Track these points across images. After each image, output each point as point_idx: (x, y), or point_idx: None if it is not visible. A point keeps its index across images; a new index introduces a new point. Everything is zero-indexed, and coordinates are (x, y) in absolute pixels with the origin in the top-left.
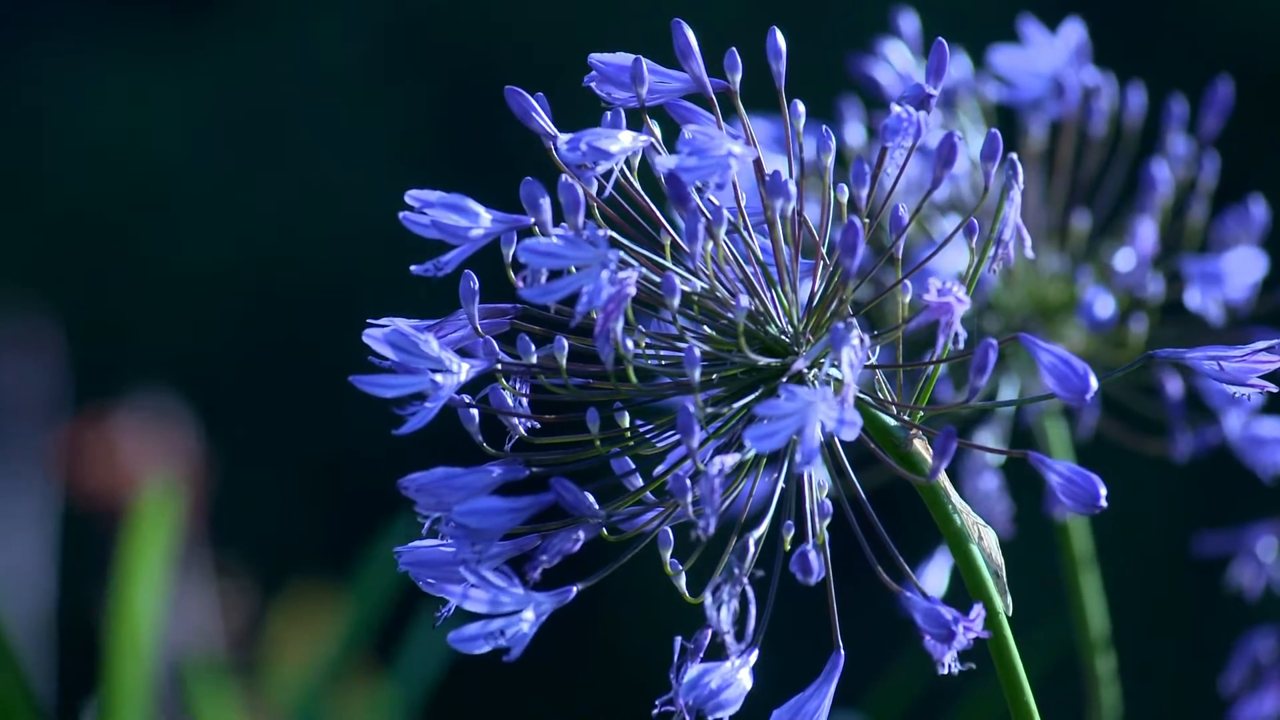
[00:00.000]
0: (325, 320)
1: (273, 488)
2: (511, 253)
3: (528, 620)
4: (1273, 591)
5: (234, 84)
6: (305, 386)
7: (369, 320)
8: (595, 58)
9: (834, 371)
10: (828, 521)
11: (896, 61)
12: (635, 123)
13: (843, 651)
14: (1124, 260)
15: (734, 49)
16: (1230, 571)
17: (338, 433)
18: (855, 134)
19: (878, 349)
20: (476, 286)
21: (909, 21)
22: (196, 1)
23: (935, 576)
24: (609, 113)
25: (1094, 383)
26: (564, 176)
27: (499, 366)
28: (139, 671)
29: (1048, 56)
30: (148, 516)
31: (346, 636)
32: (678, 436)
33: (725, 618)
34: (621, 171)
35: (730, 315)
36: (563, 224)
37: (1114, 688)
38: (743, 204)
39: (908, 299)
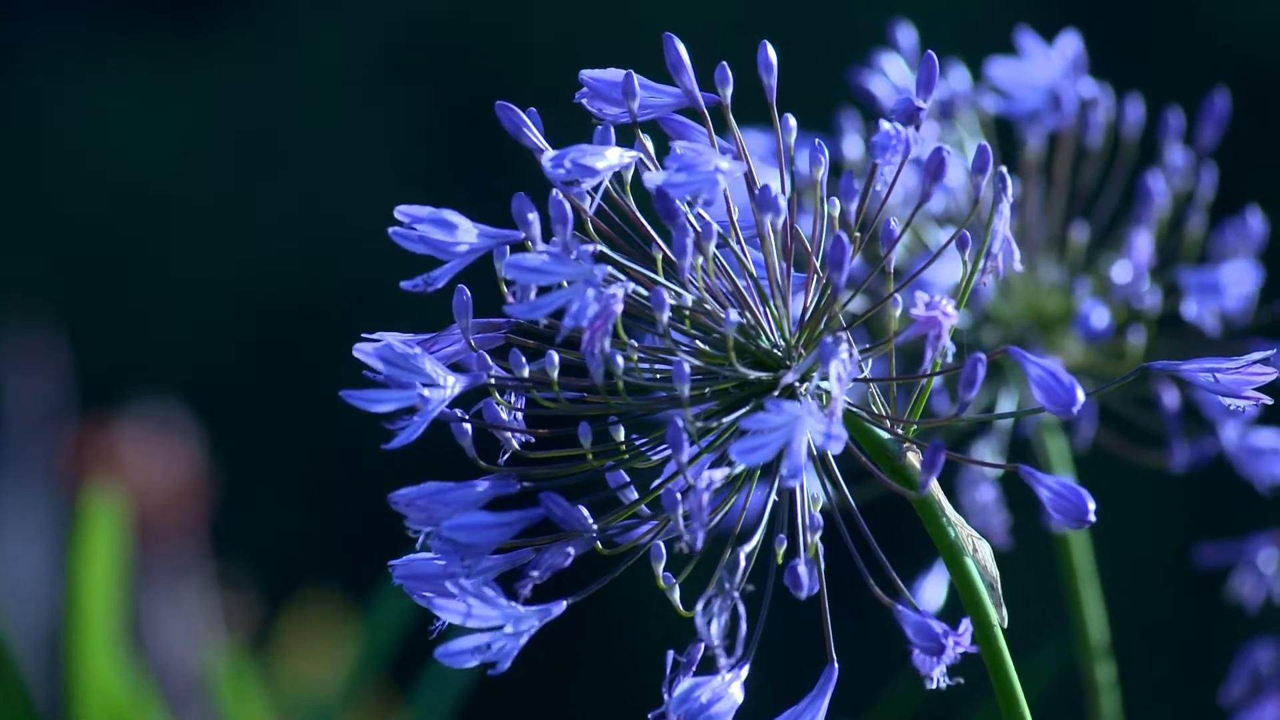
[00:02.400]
0: (329, 329)
1: (277, 498)
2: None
3: (514, 635)
4: (1273, 602)
5: (235, 94)
6: (309, 395)
7: (362, 335)
8: (586, 74)
9: (824, 385)
10: (819, 535)
11: (893, 74)
12: (628, 138)
13: (836, 665)
14: (1121, 272)
15: (724, 63)
16: (1231, 583)
17: (343, 442)
18: (853, 146)
19: (870, 362)
20: (469, 300)
21: (906, 34)
22: (197, 12)
23: (933, 590)
24: (599, 128)
25: (1080, 395)
26: (554, 191)
27: (490, 381)
28: (104, 674)
29: (1044, 68)
30: (94, 522)
31: (361, 658)
32: (669, 451)
33: (716, 631)
34: (613, 186)
35: (721, 329)
36: (552, 239)
37: (1113, 697)
38: (735, 218)
39: (898, 313)
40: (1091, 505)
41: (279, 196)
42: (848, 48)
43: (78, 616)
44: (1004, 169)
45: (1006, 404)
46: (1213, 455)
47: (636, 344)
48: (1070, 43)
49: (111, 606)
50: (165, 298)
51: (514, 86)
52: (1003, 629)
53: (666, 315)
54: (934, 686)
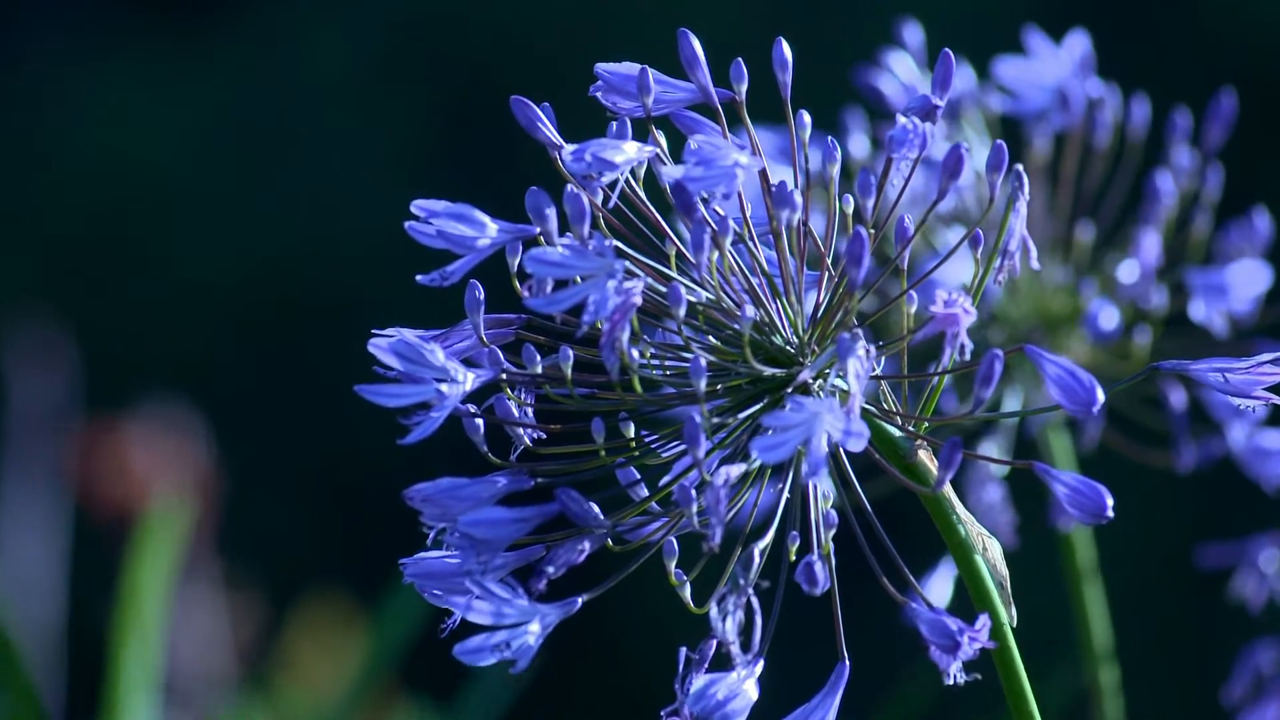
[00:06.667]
0: (335, 328)
1: (284, 498)
2: (517, 262)
3: (534, 632)
4: (1276, 603)
5: (238, 92)
6: (316, 395)
7: (374, 330)
8: (601, 67)
9: (839, 382)
10: (833, 532)
11: (901, 73)
12: (641, 132)
13: (848, 662)
14: (1128, 272)
15: (740, 59)
16: (1233, 583)
17: (350, 442)
18: (859, 145)
19: (883, 360)
20: (482, 296)
21: (913, 33)
22: (199, 10)
23: (939, 587)
24: (614, 123)
25: (1100, 395)
26: (569, 186)
27: (504, 376)
28: (144, 682)
29: (1052, 68)
30: (154, 529)
31: (369, 659)
32: (683, 447)
33: (731, 628)
34: (627, 181)
35: (736, 326)
36: (568, 234)
37: (1117, 699)
38: (748, 214)
39: (913, 310)
40: (1110, 501)
41: (280, 195)
42: (849, 46)
43: (126, 621)
44: (1020, 167)
45: (1011, 403)
46: (1219, 456)
47: (649, 340)
48: (1078, 42)
49: (160, 614)
50: (168, 298)
51: (513, 86)
52: (1012, 628)
53: (683, 310)
54: (951, 682)
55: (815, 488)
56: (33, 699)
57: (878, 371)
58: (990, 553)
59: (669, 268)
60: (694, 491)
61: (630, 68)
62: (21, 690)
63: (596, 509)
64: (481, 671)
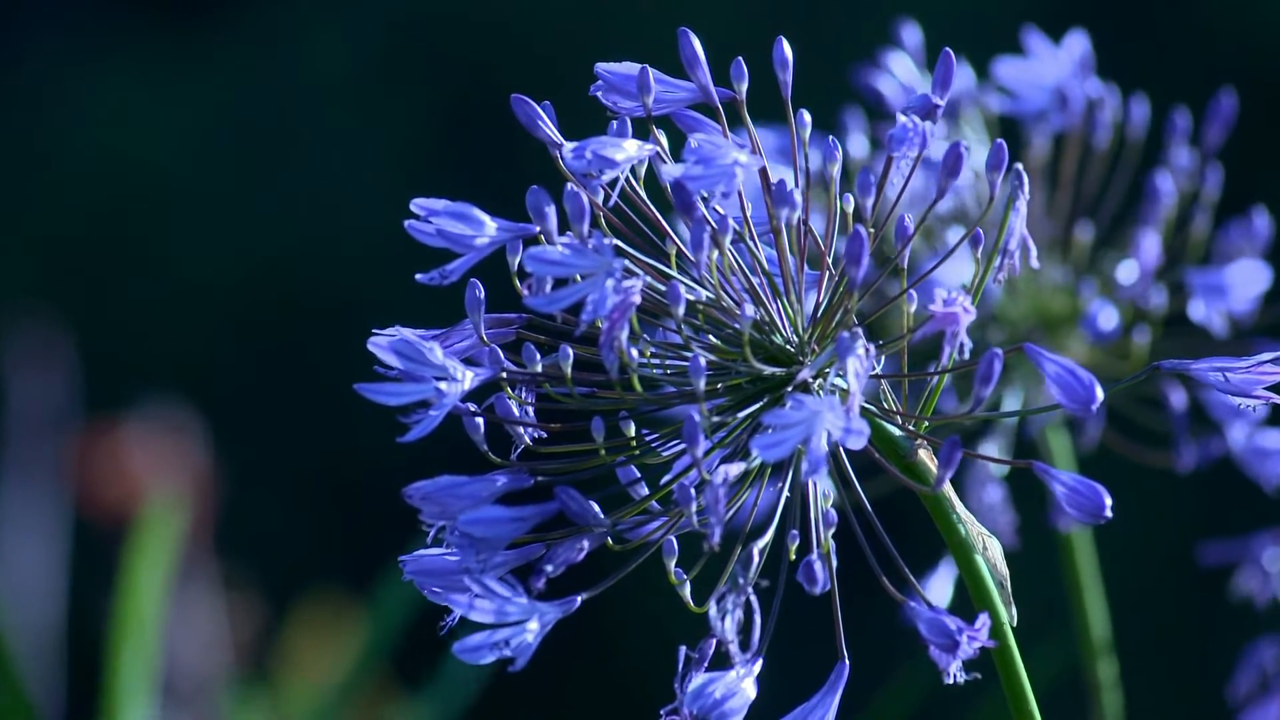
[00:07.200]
0: (334, 328)
1: (282, 498)
2: (517, 261)
3: (532, 630)
4: (1278, 600)
5: (238, 92)
6: (315, 395)
7: (374, 329)
8: (601, 67)
9: (839, 381)
10: (833, 531)
11: (900, 73)
12: (641, 132)
13: (848, 661)
14: (1127, 272)
15: (740, 59)
16: (1236, 580)
17: (348, 442)
18: (858, 145)
19: (882, 359)
20: (482, 295)
21: (911, 33)
22: (199, 10)
23: (940, 587)
24: (615, 121)
25: (1099, 393)
26: (569, 185)
27: (504, 375)
28: (141, 681)
29: (1051, 68)
30: (151, 529)
31: (364, 652)
32: (683, 446)
33: (730, 627)
34: (627, 180)
35: (735, 324)
36: (568, 232)
37: (1117, 695)
38: (748, 213)
39: (912, 309)
40: (1108, 500)
41: (280, 195)
42: (849, 46)
43: (124, 621)
44: (1020, 166)
45: (1011, 403)
46: (1219, 456)
47: (649, 339)
48: (1077, 42)
49: (158, 614)
50: (168, 298)
51: (513, 86)
52: (1012, 627)
53: (682, 309)
54: (951, 681)
55: (815, 486)
56: (24, 699)
57: (878, 370)
58: (990, 552)
59: (669, 266)
60: (693, 490)
61: (630, 67)
62: (13, 690)
63: (596, 508)
64: (449, 658)
